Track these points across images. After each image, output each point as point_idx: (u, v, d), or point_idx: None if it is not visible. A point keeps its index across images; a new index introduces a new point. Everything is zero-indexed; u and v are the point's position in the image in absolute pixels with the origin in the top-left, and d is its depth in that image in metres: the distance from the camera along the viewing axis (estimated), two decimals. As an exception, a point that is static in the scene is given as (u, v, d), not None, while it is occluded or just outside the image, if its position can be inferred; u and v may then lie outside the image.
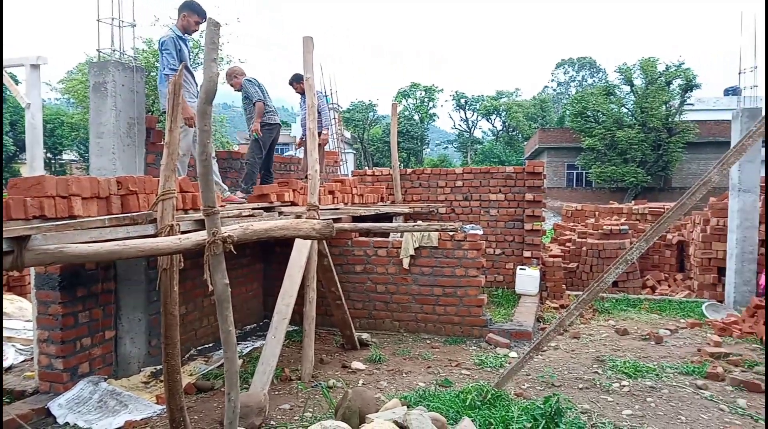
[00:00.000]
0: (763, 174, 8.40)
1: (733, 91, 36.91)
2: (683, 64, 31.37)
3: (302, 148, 8.61)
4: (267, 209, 5.24)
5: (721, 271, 8.39)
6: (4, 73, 5.19)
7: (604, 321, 7.17)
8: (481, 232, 7.26)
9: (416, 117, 54.53)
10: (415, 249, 6.38)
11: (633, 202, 15.78)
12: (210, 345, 5.92)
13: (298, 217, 5.19)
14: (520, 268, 8.07)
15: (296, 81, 7.81)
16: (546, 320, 7.13)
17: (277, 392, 4.58)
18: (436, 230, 6.05)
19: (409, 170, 9.23)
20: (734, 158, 3.66)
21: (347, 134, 46.14)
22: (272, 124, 6.77)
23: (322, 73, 14.60)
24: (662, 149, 30.63)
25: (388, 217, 7.92)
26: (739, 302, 7.74)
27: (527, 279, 7.92)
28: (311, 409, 4.16)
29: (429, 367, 5.23)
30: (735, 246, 7.87)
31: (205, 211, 2.85)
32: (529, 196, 8.32)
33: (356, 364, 5.24)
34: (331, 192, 6.98)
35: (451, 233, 6.25)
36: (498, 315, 6.95)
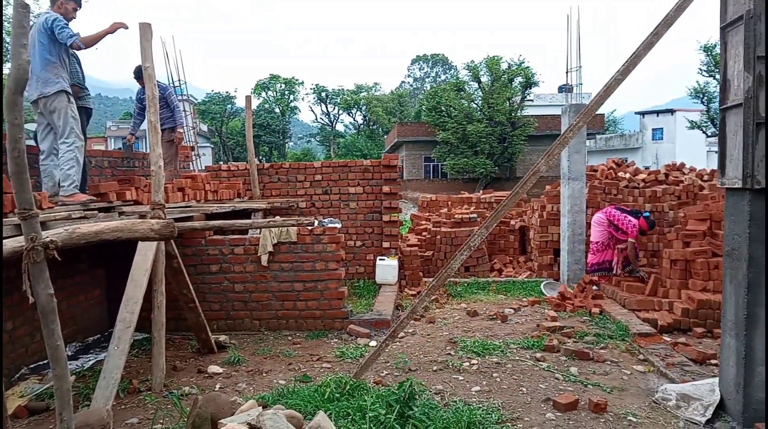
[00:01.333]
0: (588, 163, 9.42)
1: (564, 89, 40.95)
2: (523, 62, 34.24)
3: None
4: (105, 210, 4.82)
5: (557, 252, 9.29)
6: None
7: (457, 304, 7.60)
8: (339, 226, 7.32)
9: (277, 110, 53.67)
10: (274, 245, 6.26)
11: (482, 191, 16.91)
12: (44, 362, 5.32)
13: (143, 216, 4.84)
14: (380, 259, 8.28)
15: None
16: (404, 307, 7.39)
17: (123, 406, 4.25)
18: (293, 225, 5.98)
19: (267, 164, 9.02)
20: (558, 150, 4.05)
21: (204, 127, 44.09)
22: (89, 109, 6.20)
23: (167, 62, 13.56)
24: (507, 142, 33.23)
25: (246, 214, 7.68)
26: (572, 279, 8.63)
27: (386, 269, 8.15)
28: (161, 421, 3.92)
29: (290, 364, 5.17)
30: (567, 229, 8.74)
31: (21, 214, 2.54)
32: (386, 189, 8.54)
33: (213, 368, 5.03)
34: (181, 189, 6.61)
35: (309, 227, 6.22)
36: (359, 306, 7.07)
